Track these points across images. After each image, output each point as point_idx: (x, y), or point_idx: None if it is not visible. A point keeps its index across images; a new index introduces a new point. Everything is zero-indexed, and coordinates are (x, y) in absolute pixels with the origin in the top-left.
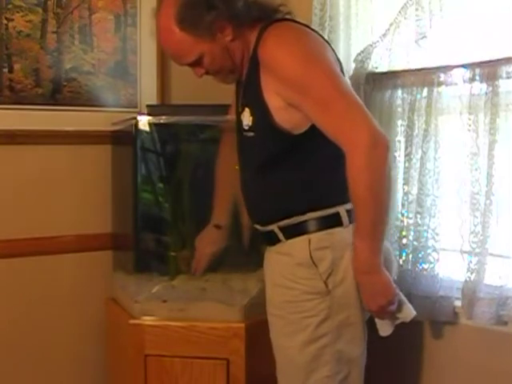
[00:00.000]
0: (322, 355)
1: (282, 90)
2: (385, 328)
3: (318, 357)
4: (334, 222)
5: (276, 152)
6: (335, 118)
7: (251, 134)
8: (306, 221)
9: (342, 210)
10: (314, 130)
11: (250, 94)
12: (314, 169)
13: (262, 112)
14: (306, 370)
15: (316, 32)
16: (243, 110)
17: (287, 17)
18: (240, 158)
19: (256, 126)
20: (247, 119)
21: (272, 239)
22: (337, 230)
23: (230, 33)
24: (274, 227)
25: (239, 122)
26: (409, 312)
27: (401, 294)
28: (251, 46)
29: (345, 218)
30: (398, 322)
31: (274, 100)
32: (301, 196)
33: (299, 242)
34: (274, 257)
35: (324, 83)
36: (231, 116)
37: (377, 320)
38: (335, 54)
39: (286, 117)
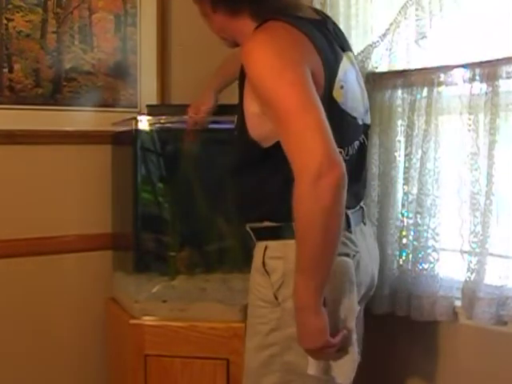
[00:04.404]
0: (271, 363)
1: (254, 96)
2: (312, 366)
3: (268, 364)
4: (289, 233)
5: (243, 160)
6: (290, 138)
7: (235, 133)
8: (264, 227)
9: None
10: (277, 147)
11: (238, 93)
12: (273, 184)
13: (240, 115)
14: (257, 374)
15: (316, 27)
16: None
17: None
18: None
19: (236, 127)
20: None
21: (251, 239)
22: (291, 242)
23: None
24: (247, 227)
25: None
26: (341, 374)
27: (355, 352)
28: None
29: None
30: (327, 375)
31: (250, 104)
32: (257, 205)
33: (259, 247)
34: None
35: (284, 99)
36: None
37: None
38: (336, 53)
39: (255, 126)
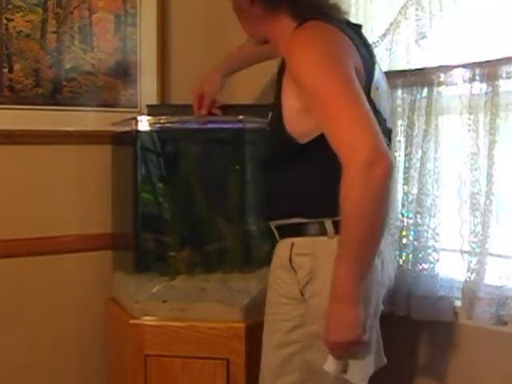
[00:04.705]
0: (290, 361)
1: (298, 92)
2: (331, 363)
3: (287, 362)
4: (318, 230)
5: (277, 156)
6: (338, 129)
7: (268, 129)
8: (292, 224)
9: (327, 221)
10: (314, 143)
11: (275, 89)
12: (307, 180)
13: (276, 111)
14: (275, 373)
15: (358, 34)
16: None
17: (332, 15)
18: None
19: (271, 123)
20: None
21: (273, 237)
22: (320, 238)
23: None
24: (271, 225)
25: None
26: (357, 375)
27: (373, 353)
28: (285, 38)
29: (330, 228)
30: (344, 374)
31: (290, 100)
32: (288, 201)
33: (284, 243)
34: (273, 256)
35: (333, 93)
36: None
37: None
38: (372, 59)
39: (294, 122)
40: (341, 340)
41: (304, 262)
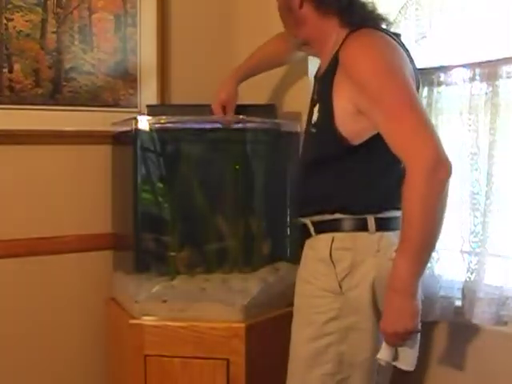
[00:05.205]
0: (324, 353)
1: (356, 95)
2: (385, 351)
3: (320, 354)
4: (359, 226)
5: (326, 155)
6: (402, 133)
7: (314, 130)
8: (333, 220)
9: (370, 217)
10: (367, 144)
11: (322, 91)
12: (353, 179)
13: (326, 112)
14: (306, 365)
15: (401, 43)
16: (314, 105)
17: (380, 24)
18: (302, 150)
19: (318, 124)
20: (315, 115)
21: (306, 233)
22: (361, 234)
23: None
24: (307, 221)
25: (310, 115)
26: (408, 361)
27: (417, 343)
28: (331, 42)
29: (371, 225)
30: (396, 361)
31: (343, 103)
32: (333, 198)
33: (324, 238)
34: (305, 251)
35: (397, 96)
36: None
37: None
38: (414, 66)
39: (347, 123)
40: (401, 330)
41: (344, 256)
